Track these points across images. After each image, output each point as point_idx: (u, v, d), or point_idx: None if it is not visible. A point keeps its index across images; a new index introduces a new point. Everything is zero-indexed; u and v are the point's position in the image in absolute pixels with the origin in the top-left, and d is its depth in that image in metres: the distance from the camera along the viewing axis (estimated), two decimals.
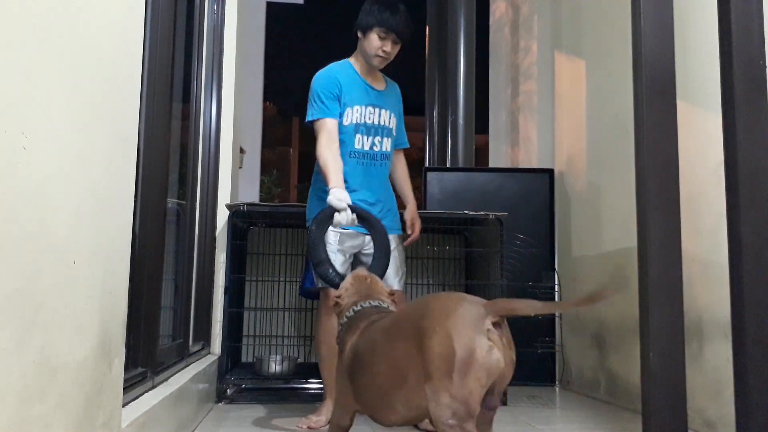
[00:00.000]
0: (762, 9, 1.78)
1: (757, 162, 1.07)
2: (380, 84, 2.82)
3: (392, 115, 2.82)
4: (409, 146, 2.98)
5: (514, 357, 1.45)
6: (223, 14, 3.58)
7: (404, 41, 2.71)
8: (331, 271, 2.26)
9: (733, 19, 1.26)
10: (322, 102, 2.66)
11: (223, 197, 3.49)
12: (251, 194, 6.61)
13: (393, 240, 2.71)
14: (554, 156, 4.30)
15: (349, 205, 2.44)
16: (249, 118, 6.22)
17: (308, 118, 2.69)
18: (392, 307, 1.94)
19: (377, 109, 2.75)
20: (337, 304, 1.97)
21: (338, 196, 2.44)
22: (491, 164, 5.62)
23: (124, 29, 1.47)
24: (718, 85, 1.14)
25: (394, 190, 2.89)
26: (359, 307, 1.88)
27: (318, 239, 2.36)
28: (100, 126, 1.30)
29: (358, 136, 2.72)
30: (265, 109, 7.02)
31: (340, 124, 2.68)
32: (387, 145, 2.79)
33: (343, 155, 2.65)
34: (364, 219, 2.47)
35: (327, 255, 2.33)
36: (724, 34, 1.09)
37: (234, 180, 3.70)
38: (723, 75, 1.10)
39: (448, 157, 6.11)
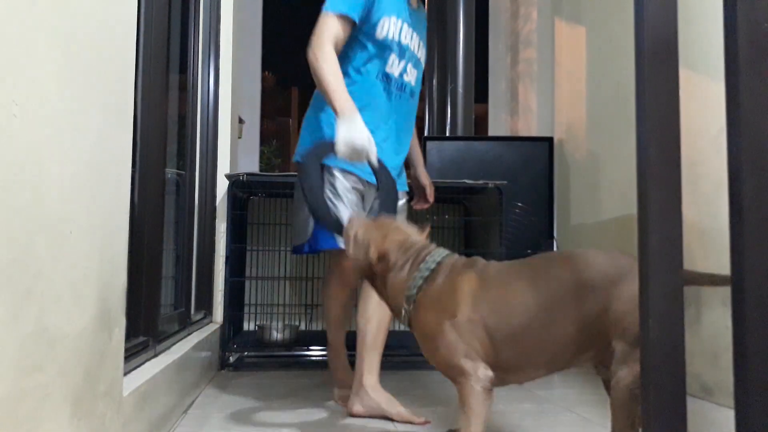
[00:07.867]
0: None
1: (760, 128, 1.05)
2: (415, 1, 2.21)
3: (422, 44, 2.23)
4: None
5: None
6: None
7: None
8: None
9: None
10: None
11: (223, 167, 3.48)
12: (251, 165, 6.58)
13: (402, 197, 2.27)
14: (554, 124, 4.28)
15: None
16: (248, 88, 6.16)
17: (329, 6, 2.01)
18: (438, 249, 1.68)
19: (411, 31, 2.15)
20: (385, 258, 1.62)
21: (360, 125, 1.87)
22: (491, 133, 5.59)
23: None
24: (720, 50, 1.12)
25: None
26: (438, 257, 1.62)
27: (316, 178, 1.89)
28: (94, 94, 1.28)
29: (393, 56, 2.09)
30: (264, 79, 6.94)
31: (372, 35, 2.06)
32: (416, 78, 2.18)
33: (366, 76, 2.07)
34: (375, 169, 1.97)
35: (337, 199, 1.95)
36: None
37: (233, 150, 3.68)
38: (726, 39, 1.08)
39: (448, 126, 6.07)
